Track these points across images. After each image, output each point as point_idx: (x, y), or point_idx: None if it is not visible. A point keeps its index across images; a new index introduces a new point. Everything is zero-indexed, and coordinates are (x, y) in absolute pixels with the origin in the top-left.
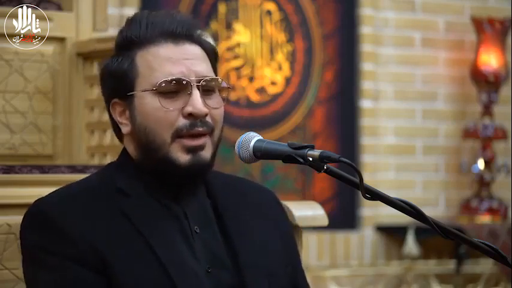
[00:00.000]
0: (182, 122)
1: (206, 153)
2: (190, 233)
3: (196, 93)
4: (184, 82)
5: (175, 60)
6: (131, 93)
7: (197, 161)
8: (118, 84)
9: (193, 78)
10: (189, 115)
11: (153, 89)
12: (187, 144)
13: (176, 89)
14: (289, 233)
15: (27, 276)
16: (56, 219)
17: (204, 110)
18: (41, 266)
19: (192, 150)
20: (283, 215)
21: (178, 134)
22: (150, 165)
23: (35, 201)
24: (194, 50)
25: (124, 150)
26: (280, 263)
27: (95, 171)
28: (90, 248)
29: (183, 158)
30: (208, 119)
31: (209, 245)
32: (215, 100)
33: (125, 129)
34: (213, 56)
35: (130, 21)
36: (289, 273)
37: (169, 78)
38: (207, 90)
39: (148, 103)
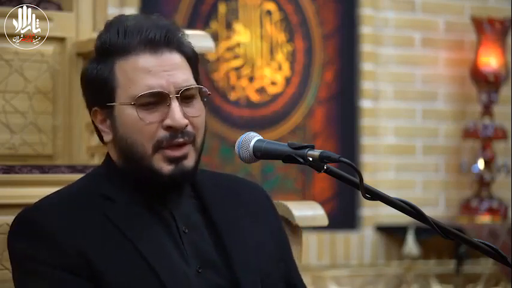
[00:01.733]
0: (162, 133)
1: (189, 162)
2: (179, 235)
3: (175, 105)
4: (162, 94)
5: (154, 72)
6: (110, 104)
7: (180, 170)
8: (98, 93)
9: (173, 89)
10: (169, 127)
11: (132, 104)
12: (169, 155)
13: (155, 101)
14: (279, 228)
15: (17, 284)
16: (44, 227)
17: (184, 122)
18: (30, 274)
19: (175, 161)
20: (273, 210)
21: (159, 146)
22: (134, 173)
23: (22, 210)
24: (173, 59)
25: (108, 155)
26: (272, 260)
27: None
28: (78, 255)
29: (166, 168)
30: (189, 128)
31: (198, 246)
32: (195, 107)
33: (107, 137)
34: (193, 60)
35: (109, 27)
36: (282, 268)
37: (148, 92)
38: (186, 98)
39: (128, 115)
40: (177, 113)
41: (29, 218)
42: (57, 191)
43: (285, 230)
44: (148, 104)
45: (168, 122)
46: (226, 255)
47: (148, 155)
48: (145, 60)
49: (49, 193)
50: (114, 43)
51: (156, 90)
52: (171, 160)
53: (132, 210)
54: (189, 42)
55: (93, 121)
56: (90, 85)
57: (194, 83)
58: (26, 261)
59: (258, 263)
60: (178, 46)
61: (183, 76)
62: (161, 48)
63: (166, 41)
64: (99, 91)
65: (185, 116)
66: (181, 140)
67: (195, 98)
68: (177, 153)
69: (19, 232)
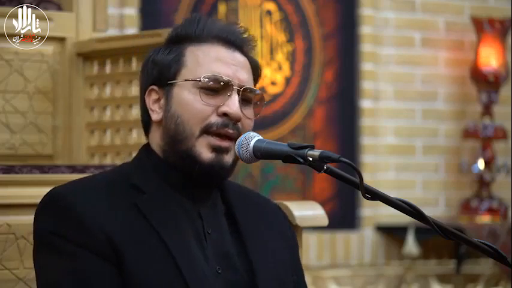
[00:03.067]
0: (215, 119)
1: (228, 158)
2: (203, 234)
3: (235, 97)
4: (228, 83)
5: (224, 62)
6: (172, 81)
7: (219, 162)
8: (160, 72)
9: (236, 83)
10: (224, 114)
11: (196, 80)
12: (213, 142)
13: (218, 87)
14: (295, 247)
15: (40, 263)
16: (75, 207)
17: (240, 113)
18: (55, 252)
19: (217, 150)
20: (290, 227)
21: (207, 130)
22: (173, 157)
23: (52, 189)
24: (242, 59)
25: (145, 146)
26: (288, 271)
27: (95, 171)
28: (106, 239)
29: (207, 155)
30: (239, 125)
31: (220, 247)
32: (249, 111)
33: (155, 116)
34: (256, 73)
35: (189, 21)
36: (295, 281)
37: (214, 75)
38: (244, 99)
39: (187, 93)
40: (235, 103)
41: (59, 197)
42: (90, 176)
43: (299, 253)
44: (210, 89)
45: (225, 108)
46: (247, 259)
47: (194, 137)
48: (217, 50)
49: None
50: (190, 32)
51: (221, 76)
52: (214, 148)
53: (162, 204)
54: (255, 57)
55: (143, 105)
56: (153, 65)
57: (255, 88)
58: (52, 238)
59: (276, 269)
60: (247, 53)
61: (248, 77)
62: (234, 48)
63: (239, 45)
64: (162, 70)
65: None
66: (230, 131)
67: (250, 103)
68: (221, 143)
69: (49, 209)
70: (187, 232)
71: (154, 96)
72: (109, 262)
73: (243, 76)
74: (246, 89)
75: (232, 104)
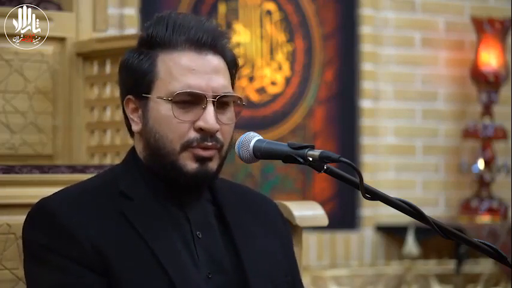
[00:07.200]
0: (193, 134)
1: (213, 165)
2: (192, 238)
3: (210, 109)
4: (200, 96)
5: (196, 72)
6: (147, 95)
7: (204, 170)
8: (135, 82)
9: (210, 93)
10: (200, 129)
11: (169, 99)
12: (197, 153)
13: (191, 100)
14: (289, 242)
15: (29, 274)
16: (62, 220)
17: (216, 126)
18: (44, 264)
19: (201, 160)
20: (285, 226)
21: (188, 145)
22: (156, 168)
23: (40, 200)
24: (216, 62)
25: (132, 149)
26: (282, 272)
27: (95, 171)
28: (93, 250)
29: (191, 166)
30: (218, 134)
31: (211, 251)
32: (227, 115)
33: (135, 127)
34: (233, 67)
35: (159, 20)
36: (289, 282)
37: (187, 91)
38: (222, 104)
39: (162, 110)
40: (210, 117)
41: (47, 209)
42: (78, 183)
43: (293, 250)
44: (184, 103)
45: (200, 123)
46: (239, 261)
47: (176, 152)
48: (189, 59)
49: (49, 193)
50: (160, 36)
51: (194, 91)
52: (197, 159)
53: (149, 210)
54: (232, 50)
55: (124, 110)
56: (128, 73)
57: (231, 90)
58: (41, 251)
59: (269, 271)
60: (221, 51)
61: (223, 82)
62: (206, 49)
63: (212, 44)
64: (137, 80)
65: (217, 121)
66: (209, 144)
67: (229, 106)
68: (204, 153)
69: (36, 222)
70: (175, 238)
71: (132, 105)
72: (98, 274)
73: (218, 82)
74: (221, 97)
75: (208, 117)
